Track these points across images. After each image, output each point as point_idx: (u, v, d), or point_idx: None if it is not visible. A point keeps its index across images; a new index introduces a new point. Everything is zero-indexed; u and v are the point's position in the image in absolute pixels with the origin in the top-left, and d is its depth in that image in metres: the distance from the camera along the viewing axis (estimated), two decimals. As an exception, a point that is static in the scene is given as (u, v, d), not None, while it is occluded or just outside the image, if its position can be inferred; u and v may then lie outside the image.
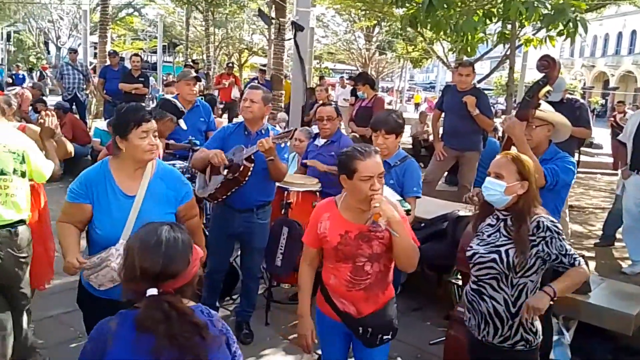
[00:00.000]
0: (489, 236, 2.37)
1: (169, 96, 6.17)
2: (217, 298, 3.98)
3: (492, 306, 2.31)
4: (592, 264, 4.83)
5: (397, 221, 2.26)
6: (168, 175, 2.56)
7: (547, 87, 2.85)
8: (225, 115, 11.45)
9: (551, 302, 2.22)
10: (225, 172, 3.43)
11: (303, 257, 2.59)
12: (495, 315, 2.30)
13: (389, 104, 22.93)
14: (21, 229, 2.81)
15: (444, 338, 3.82)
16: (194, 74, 4.84)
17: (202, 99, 5.61)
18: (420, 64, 20.46)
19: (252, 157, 3.41)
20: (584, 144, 5.23)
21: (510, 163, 2.31)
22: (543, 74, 2.89)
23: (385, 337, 2.46)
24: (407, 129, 12.74)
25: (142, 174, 2.46)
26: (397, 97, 28.22)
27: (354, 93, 6.94)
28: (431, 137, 10.63)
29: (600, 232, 5.82)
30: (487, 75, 12.10)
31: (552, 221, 2.27)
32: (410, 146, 11.10)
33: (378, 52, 23.30)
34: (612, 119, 11.12)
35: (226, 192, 3.48)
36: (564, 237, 2.27)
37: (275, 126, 4.70)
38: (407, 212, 3.21)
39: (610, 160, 11.41)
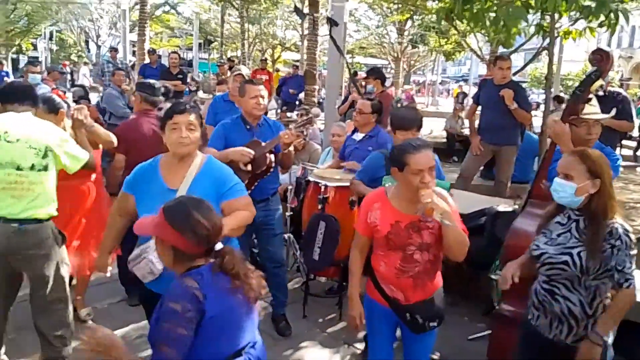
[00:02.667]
0: (558, 236, 2.30)
1: (218, 94, 6.36)
2: None
3: (566, 307, 2.24)
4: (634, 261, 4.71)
5: (449, 213, 2.30)
6: (214, 172, 2.56)
7: (600, 81, 2.80)
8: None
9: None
10: (249, 167, 3.51)
11: (354, 243, 2.67)
12: (570, 315, 2.24)
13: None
14: (32, 227, 2.76)
15: (484, 334, 3.84)
16: (241, 71, 4.99)
17: None
18: (453, 57, 20.10)
19: (272, 149, 3.54)
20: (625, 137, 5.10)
21: (578, 162, 2.22)
22: (595, 68, 2.84)
23: (431, 324, 2.53)
24: (442, 123, 12.68)
25: (187, 168, 2.50)
26: (430, 92, 27.86)
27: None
28: (465, 131, 10.55)
29: (642, 228, 5.67)
30: (523, 68, 11.80)
31: (626, 230, 2.17)
32: (445, 140, 11.00)
33: (410, 45, 23.04)
34: None
35: (251, 187, 3.55)
36: (632, 250, 2.16)
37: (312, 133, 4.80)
38: (448, 189, 3.24)
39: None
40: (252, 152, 3.50)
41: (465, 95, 21.67)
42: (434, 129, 13.69)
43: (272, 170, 3.58)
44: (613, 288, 2.22)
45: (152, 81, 4.36)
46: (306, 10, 10.59)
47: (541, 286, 2.33)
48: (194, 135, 2.48)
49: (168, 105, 2.66)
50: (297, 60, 23.71)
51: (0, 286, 2.89)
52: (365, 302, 2.64)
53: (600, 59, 2.87)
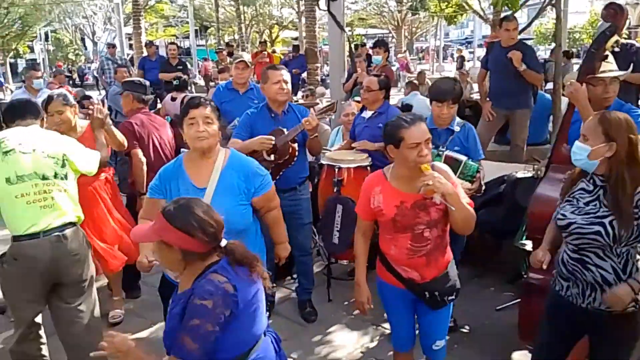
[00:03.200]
0: (586, 204, 2.19)
1: (222, 83, 6.28)
2: (274, 278, 4.02)
3: (599, 275, 2.17)
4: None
5: (451, 193, 2.27)
6: (241, 165, 2.53)
7: (615, 37, 2.68)
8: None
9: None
10: (272, 157, 3.44)
11: (357, 228, 2.65)
12: (604, 282, 2.17)
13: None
14: (69, 231, 2.77)
15: (513, 303, 3.79)
16: (243, 58, 4.87)
17: None
18: (455, 20, 19.71)
19: (295, 137, 3.43)
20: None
21: (596, 124, 2.13)
22: (609, 23, 2.72)
23: (449, 297, 2.53)
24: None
25: (212, 164, 2.47)
26: (434, 59, 27.45)
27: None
28: (474, 96, 10.36)
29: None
30: (528, 25, 11.54)
31: None
32: (453, 107, 10.82)
33: (410, 12, 22.62)
34: None
35: (276, 176, 3.49)
36: None
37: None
38: (477, 170, 3.26)
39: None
40: (272, 139, 3.41)
41: (463, 59, 21.33)
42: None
43: (296, 159, 3.49)
44: None
45: (141, 80, 4.42)
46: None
47: (569, 256, 2.25)
48: (211, 128, 2.43)
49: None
50: (296, 38, 23.42)
51: (40, 296, 2.83)
52: (379, 286, 2.63)
53: (614, 14, 2.75)
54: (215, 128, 2.45)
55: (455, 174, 3.15)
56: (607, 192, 2.15)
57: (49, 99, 3.50)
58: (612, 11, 2.77)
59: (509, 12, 6.92)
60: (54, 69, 10.21)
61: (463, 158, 3.25)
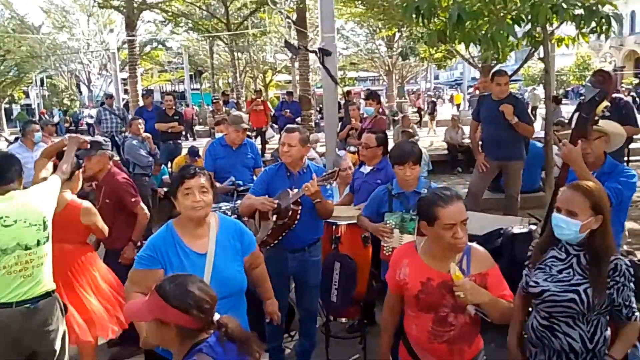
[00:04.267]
0: (559, 272, 2.22)
1: (218, 134, 6.34)
2: (282, 339, 3.96)
3: (567, 343, 2.20)
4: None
5: (486, 302, 2.18)
6: (231, 227, 2.58)
7: (605, 103, 2.76)
8: (258, 141, 11.58)
9: None
10: (274, 217, 3.45)
11: (386, 300, 2.55)
12: (570, 351, 2.20)
13: (418, 109, 22.69)
14: (43, 302, 2.73)
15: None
16: (246, 126, 4.94)
17: None
18: (445, 64, 20.21)
19: (299, 200, 3.43)
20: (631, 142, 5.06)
21: (582, 198, 2.15)
22: (598, 89, 2.80)
23: None
24: (441, 133, 12.65)
25: (207, 230, 2.48)
26: (425, 103, 27.95)
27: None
28: (466, 141, 10.52)
29: (658, 228, 5.60)
30: (516, 72, 11.85)
31: (627, 266, 2.15)
32: (446, 151, 10.97)
33: (401, 57, 23.16)
34: None
35: (278, 237, 3.49)
36: (632, 285, 2.16)
37: (314, 160, 4.74)
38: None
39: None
40: (274, 202, 3.42)
41: (434, 104, 21.50)
42: (433, 140, 13.71)
43: (296, 222, 3.44)
44: (613, 320, 2.21)
45: (100, 138, 4.42)
46: (294, 40, 10.64)
47: (539, 322, 2.26)
48: (207, 197, 2.45)
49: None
50: (289, 82, 23.82)
51: None
52: None
53: (603, 80, 2.83)
54: (211, 197, 2.47)
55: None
56: (580, 260, 2.19)
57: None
58: (600, 78, 2.85)
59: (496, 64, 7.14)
60: (41, 119, 10.21)
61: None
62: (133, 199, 4.13)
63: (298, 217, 3.42)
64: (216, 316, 1.87)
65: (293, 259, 3.60)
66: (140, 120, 7.35)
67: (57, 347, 2.83)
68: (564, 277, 2.19)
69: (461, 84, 28.74)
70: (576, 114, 3.47)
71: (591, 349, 2.18)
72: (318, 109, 16.38)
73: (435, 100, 22.47)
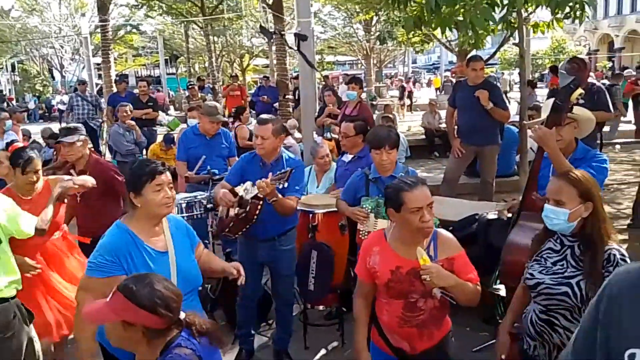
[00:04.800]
0: (554, 264, 2.19)
1: (193, 121, 6.21)
2: (253, 325, 3.97)
3: (567, 337, 2.13)
4: (625, 248, 4.73)
5: (452, 285, 2.21)
6: (180, 223, 2.56)
7: (579, 90, 2.76)
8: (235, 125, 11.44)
9: None
10: (236, 210, 3.40)
11: (357, 289, 2.54)
12: None
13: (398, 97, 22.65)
14: None
15: (489, 344, 3.80)
16: (221, 118, 4.85)
17: None
18: (422, 48, 20.22)
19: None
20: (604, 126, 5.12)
21: (568, 186, 2.14)
22: (573, 77, 2.80)
23: None
24: (418, 118, 12.67)
25: (162, 228, 2.43)
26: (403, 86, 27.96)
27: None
28: (443, 125, 10.55)
29: (628, 210, 5.71)
30: (492, 55, 11.92)
31: (622, 255, 2.07)
32: (424, 136, 11.00)
33: (379, 41, 23.09)
34: (634, 85, 10.78)
35: (240, 230, 3.43)
36: None
37: (291, 147, 4.71)
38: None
39: (628, 128, 11.28)
40: (232, 199, 3.34)
41: (404, 89, 21.46)
42: (411, 125, 13.73)
43: (255, 217, 3.35)
44: None
45: (71, 125, 4.25)
46: (270, 24, 10.48)
47: (538, 316, 2.23)
48: (173, 193, 2.42)
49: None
50: (267, 66, 23.54)
51: None
52: (372, 350, 2.53)
53: (578, 68, 2.83)
54: (174, 193, 2.44)
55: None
56: (574, 251, 2.16)
57: (30, 159, 3.34)
58: (575, 65, 2.86)
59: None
60: (9, 105, 9.80)
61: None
62: (122, 180, 3.98)
63: (257, 212, 3.33)
64: (182, 314, 1.86)
65: (263, 248, 3.58)
66: (127, 107, 7.19)
67: (20, 352, 2.76)
68: (558, 270, 2.16)
69: (439, 67, 28.85)
70: (550, 100, 3.49)
71: None
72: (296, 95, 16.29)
73: (404, 85, 22.40)
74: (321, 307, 4.30)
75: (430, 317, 2.34)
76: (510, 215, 3.63)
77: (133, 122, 7.11)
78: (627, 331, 1.13)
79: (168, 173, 2.40)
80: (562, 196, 2.13)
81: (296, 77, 10.66)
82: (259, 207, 3.31)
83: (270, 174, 3.26)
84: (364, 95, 10.29)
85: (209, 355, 1.87)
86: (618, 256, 2.06)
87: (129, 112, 7.08)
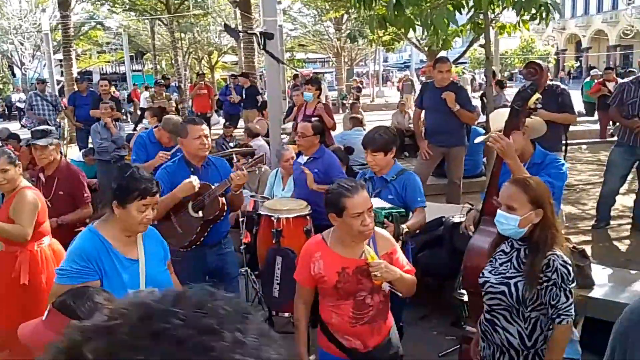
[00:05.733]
0: (501, 265, 2.27)
1: (147, 121, 6.01)
2: None
3: (505, 338, 2.21)
4: (589, 249, 4.79)
5: (398, 278, 2.30)
6: (153, 233, 2.52)
7: (537, 95, 2.75)
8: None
9: None
10: (200, 213, 3.29)
11: (297, 295, 2.55)
12: (509, 346, 2.20)
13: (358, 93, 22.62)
14: None
15: (455, 348, 3.78)
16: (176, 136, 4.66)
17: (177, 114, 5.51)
18: (393, 47, 20.28)
19: (224, 191, 3.31)
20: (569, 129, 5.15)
21: (520, 192, 2.18)
22: (530, 82, 2.78)
23: None
24: (388, 118, 12.66)
25: (135, 236, 2.38)
26: (373, 83, 28.06)
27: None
28: (412, 126, 10.57)
29: (593, 211, 5.78)
30: (461, 55, 12.02)
31: (564, 262, 2.10)
32: (393, 136, 10.98)
33: (349, 39, 23.06)
34: (601, 85, 10.96)
35: (204, 233, 3.36)
36: (569, 283, 2.10)
37: (259, 147, 4.60)
38: (402, 215, 3.21)
39: (594, 127, 11.49)
40: (197, 182, 3.22)
41: (359, 89, 21.47)
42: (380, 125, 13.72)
43: (224, 213, 3.36)
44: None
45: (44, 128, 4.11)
46: (239, 21, 10.30)
47: (484, 316, 2.32)
48: (154, 213, 2.38)
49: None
50: (236, 63, 23.26)
51: None
52: (321, 356, 2.54)
53: (535, 73, 2.84)
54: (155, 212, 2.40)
55: None
56: (520, 254, 2.22)
57: None
58: (532, 70, 2.85)
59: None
60: None
61: (387, 206, 3.23)
62: (85, 194, 4.02)
63: (226, 208, 3.32)
64: None
65: (211, 254, 3.49)
66: (107, 105, 6.93)
67: None
68: (502, 270, 2.24)
69: (410, 66, 29.01)
70: (496, 111, 3.51)
71: (530, 346, 2.17)
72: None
73: (360, 85, 22.43)
74: (286, 314, 4.20)
75: (378, 311, 2.41)
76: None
77: (107, 119, 6.83)
78: None
79: (157, 196, 2.34)
80: (514, 202, 2.18)
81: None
82: (225, 204, 3.30)
83: (243, 160, 3.23)
84: (334, 94, 10.26)
85: None
86: (558, 262, 2.10)
87: (109, 109, 6.86)
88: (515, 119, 2.82)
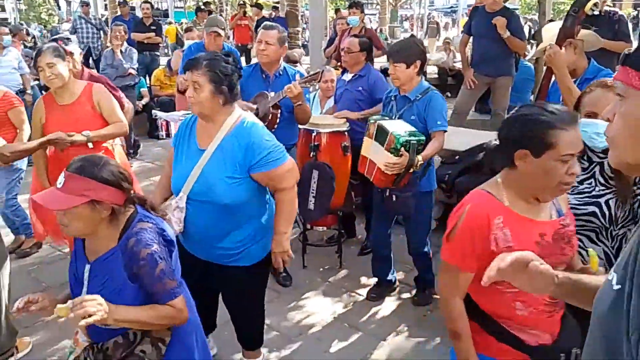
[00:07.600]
0: (580, 183, 2.01)
1: (189, 42, 5.97)
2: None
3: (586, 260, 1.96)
4: None
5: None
6: (245, 137, 2.28)
7: (594, 0, 2.59)
8: (243, 59, 11.16)
9: None
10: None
11: (451, 288, 1.69)
12: None
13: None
14: None
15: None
16: (217, 30, 4.53)
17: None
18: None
19: (278, 103, 3.29)
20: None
21: (609, 93, 1.92)
22: None
23: (576, 350, 1.69)
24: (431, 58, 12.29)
25: (219, 128, 2.30)
26: (418, 27, 27.11)
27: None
28: (457, 65, 10.24)
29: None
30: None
31: None
32: (436, 76, 10.70)
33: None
34: None
35: None
36: None
37: (294, 66, 4.55)
38: (420, 142, 2.94)
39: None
40: (252, 107, 3.22)
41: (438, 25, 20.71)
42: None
43: (276, 126, 3.31)
44: None
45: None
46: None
47: None
48: (201, 95, 2.22)
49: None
50: (277, 2, 22.77)
51: None
52: None
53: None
54: (205, 94, 2.22)
55: (383, 145, 3.01)
56: (604, 167, 2.00)
57: (39, 51, 3.19)
58: None
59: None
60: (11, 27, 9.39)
61: (390, 129, 2.98)
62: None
63: (278, 121, 3.31)
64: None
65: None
66: (121, 27, 6.80)
67: None
68: (585, 189, 2.00)
69: (456, 11, 27.82)
70: (550, 24, 3.32)
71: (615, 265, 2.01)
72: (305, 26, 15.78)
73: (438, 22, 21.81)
74: (320, 228, 4.27)
75: None
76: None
77: (117, 44, 6.62)
78: None
79: (199, 70, 2.25)
80: (599, 108, 1.92)
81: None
82: (279, 116, 3.29)
83: (298, 76, 3.21)
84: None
85: (168, 228, 1.89)
86: None
87: (123, 33, 6.69)
88: (570, 25, 2.69)
